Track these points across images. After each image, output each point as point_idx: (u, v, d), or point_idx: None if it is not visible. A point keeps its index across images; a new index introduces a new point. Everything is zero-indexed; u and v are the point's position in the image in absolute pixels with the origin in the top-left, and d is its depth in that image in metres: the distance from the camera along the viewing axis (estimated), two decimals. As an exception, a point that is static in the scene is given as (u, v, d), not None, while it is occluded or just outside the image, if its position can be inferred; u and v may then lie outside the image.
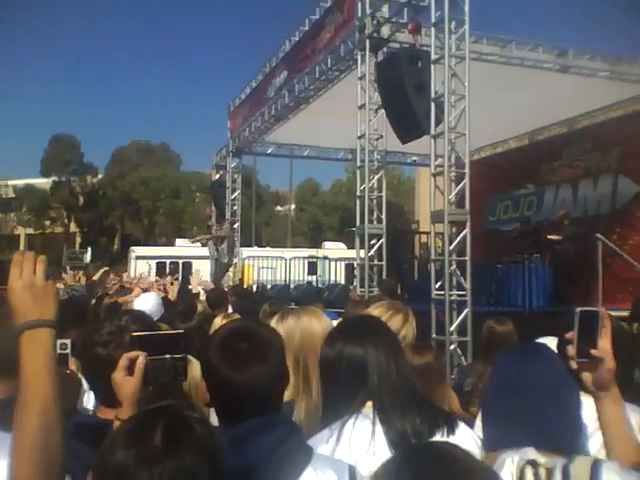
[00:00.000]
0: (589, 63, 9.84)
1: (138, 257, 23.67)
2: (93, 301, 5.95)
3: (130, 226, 49.79)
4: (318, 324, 2.26)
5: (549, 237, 10.77)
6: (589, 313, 1.55)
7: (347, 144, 13.37)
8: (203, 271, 13.82)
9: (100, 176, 49.93)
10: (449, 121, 7.27)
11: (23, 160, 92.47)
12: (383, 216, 9.15)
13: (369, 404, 1.69)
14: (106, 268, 9.69)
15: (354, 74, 9.30)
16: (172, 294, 6.42)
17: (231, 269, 15.06)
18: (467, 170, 7.37)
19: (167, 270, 19.69)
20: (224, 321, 3.06)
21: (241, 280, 15.61)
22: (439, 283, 7.24)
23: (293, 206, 48.86)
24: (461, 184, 7.40)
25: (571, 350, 1.53)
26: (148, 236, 45.33)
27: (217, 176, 16.77)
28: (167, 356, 1.58)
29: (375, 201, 9.17)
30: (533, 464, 1.30)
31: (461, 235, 7.29)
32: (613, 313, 1.84)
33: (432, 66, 7.46)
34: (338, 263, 17.83)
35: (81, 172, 48.90)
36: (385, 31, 8.58)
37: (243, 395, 1.44)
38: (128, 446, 1.04)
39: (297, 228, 47.34)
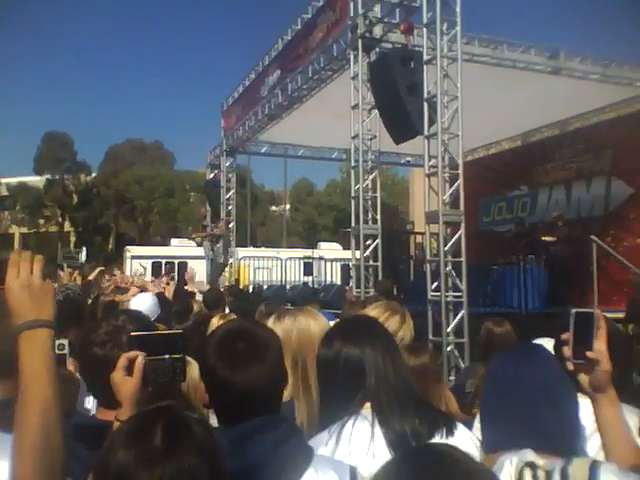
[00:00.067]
0: (580, 66, 9.92)
1: (134, 257, 23.61)
2: (89, 301, 5.93)
3: (125, 225, 49.62)
4: (315, 324, 2.26)
5: (543, 238, 10.82)
6: (584, 314, 1.56)
7: (341, 144, 13.39)
8: (199, 271, 13.82)
9: (94, 174, 49.74)
10: (442, 122, 7.29)
11: (16, 158, 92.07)
12: (378, 216, 9.16)
13: (367, 405, 1.69)
14: (101, 268, 9.65)
15: (347, 74, 9.31)
16: (168, 294, 6.41)
17: (227, 269, 15.04)
18: (461, 171, 7.40)
19: (163, 270, 19.64)
20: (221, 321, 3.06)
21: (237, 280, 15.59)
22: (435, 284, 7.25)
23: (288, 206, 48.82)
24: (455, 185, 7.42)
25: (567, 351, 1.54)
26: (143, 235, 45.20)
27: (211, 175, 16.75)
28: (166, 356, 1.58)
29: (370, 201, 9.18)
30: (532, 466, 1.30)
31: (456, 236, 7.31)
32: (608, 315, 1.85)
33: (424, 67, 7.48)
34: (334, 264, 17.84)
35: (74, 170, 48.69)
36: (377, 31, 8.60)
37: (242, 396, 1.44)
38: (128, 447, 1.04)
39: (292, 228, 47.30)
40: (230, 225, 15.53)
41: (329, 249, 24.64)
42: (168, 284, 6.98)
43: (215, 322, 3.20)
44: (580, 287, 9.91)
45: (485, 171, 14.27)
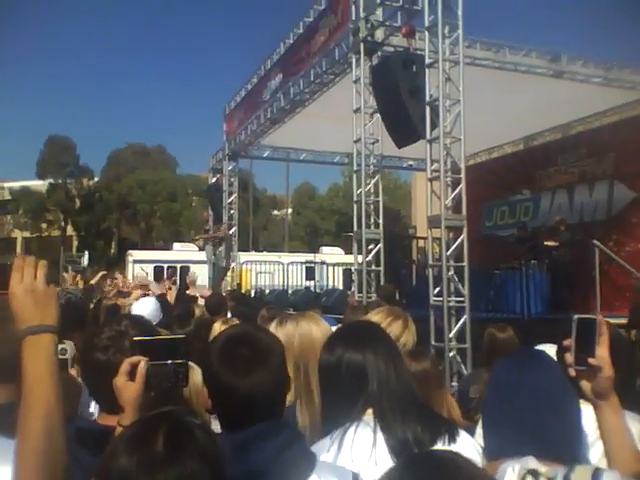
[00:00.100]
0: (582, 69, 9.93)
1: (136, 261, 23.62)
2: (91, 305, 5.94)
3: (127, 230, 49.66)
4: (317, 329, 2.26)
5: (546, 243, 10.80)
6: (587, 320, 1.55)
7: (343, 148, 13.39)
8: (201, 275, 13.81)
9: (96, 179, 49.83)
10: (444, 126, 7.30)
11: (19, 162, 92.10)
12: (380, 221, 9.16)
13: (369, 411, 1.68)
14: (104, 272, 9.66)
15: (349, 77, 9.33)
16: (170, 299, 6.41)
17: (229, 273, 15.05)
18: (463, 175, 7.40)
19: (165, 274, 19.65)
20: (223, 326, 3.06)
21: (239, 285, 15.59)
22: (437, 289, 7.24)
23: (290, 210, 48.84)
24: (457, 189, 7.42)
25: (569, 358, 1.53)
26: (145, 240, 45.24)
27: (214, 179, 16.77)
28: (168, 361, 1.58)
29: (372, 206, 9.18)
30: (534, 473, 1.30)
31: (458, 240, 7.31)
32: (611, 320, 1.85)
33: (426, 70, 7.49)
34: (336, 268, 17.84)
35: (77, 174, 48.76)
36: (379, 35, 8.62)
37: (245, 401, 1.44)
38: (130, 452, 1.04)
39: (294, 232, 47.32)
40: (232, 230, 15.54)
41: (331, 253, 24.64)
42: (170, 289, 6.98)
43: (217, 327, 3.20)
44: (582, 292, 9.90)
45: (487, 175, 14.27)
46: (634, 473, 1.38)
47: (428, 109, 7.41)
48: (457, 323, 7.09)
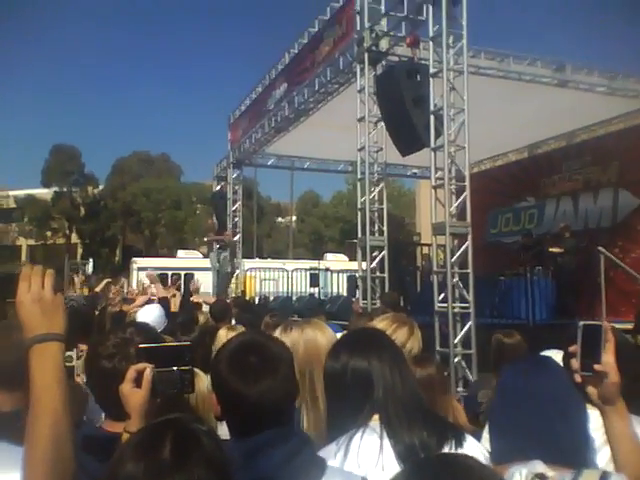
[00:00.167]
0: (587, 78, 9.93)
1: (140, 268, 23.65)
2: (96, 312, 5.95)
3: (131, 237, 49.79)
4: (322, 336, 2.26)
5: (551, 250, 10.79)
6: (592, 327, 1.55)
7: (347, 156, 13.42)
8: (205, 282, 13.81)
9: (101, 187, 50.04)
10: (448, 134, 7.32)
11: (24, 170, 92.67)
12: (384, 228, 9.17)
13: (375, 417, 1.68)
14: (108, 279, 9.69)
15: (353, 87, 9.36)
16: (175, 306, 6.42)
17: (233, 280, 15.05)
18: (467, 183, 7.40)
19: (169, 282, 19.68)
20: (229, 333, 3.06)
21: (243, 292, 15.60)
22: (442, 295, 7.24)
23: (294, 218, 48.91)
24: (462, 197, 7.42)
25: (575, 364, 1.54)
26: (150, 247, 45.33)
27: (218, 187, 16.81)
28: (174, 368, 1.59)
29: (376, 213, 9.19)
30: (541, 477, 1.30)
31: (463, 247, 7.30)
32: (616, 326, 1.85)
33: (431, 80, 7.52)
34: (340, 275, 17.81)
35: (82, 183, 48.99)
36: (384, 44, 8.64)
37: (254, 409, 1.45)
38: (137, 459, 1.04)
39: (298, 240, 47.36)
40: (236, 237, 15.57)
41: (335, 260, 24.64)
42: (174, 295, 7.00)
43: (222, 334, 3.20)
44: (588, 298, 9.88)
45: (492, 183, 14.28)
46: (641, 477, 1.38)
47: (432, 118, 7.43)
48: (462, 329, 7.08)
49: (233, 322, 5.32)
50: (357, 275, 9.70)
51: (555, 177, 13.22)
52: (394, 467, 1.55)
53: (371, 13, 8.80)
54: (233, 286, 15.05)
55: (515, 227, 14.16)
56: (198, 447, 1.07)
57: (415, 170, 15.84)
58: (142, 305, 5.64)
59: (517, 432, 1.47)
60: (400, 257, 12.15)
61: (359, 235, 9.18)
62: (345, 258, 26.04)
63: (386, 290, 8.72)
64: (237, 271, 15.32)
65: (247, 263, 18.18)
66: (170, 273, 23.05)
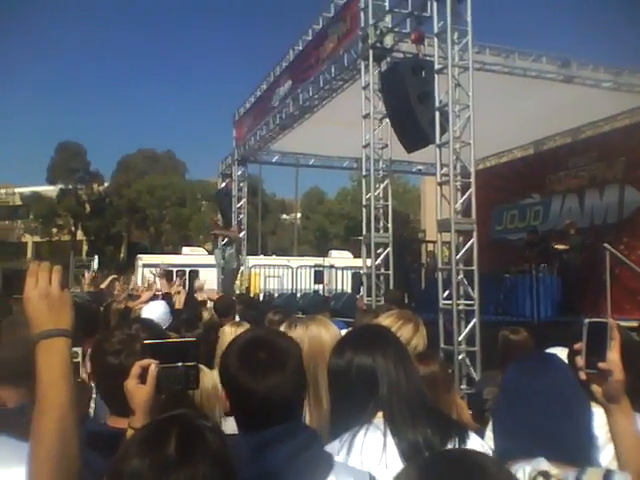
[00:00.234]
0: (592, 74, 9.89)
1: (145, 265, 23.69)
2: (101, 309, 5.96)
3: (137, 234, 49.94)
4: (327, 333, 2.26)
5: (556, 247, 10.76)
6: (598, 324, 1.55)
7: (352, 153, 13.40)
8: (210, 279, 13.82)
9: (106, 184, 50.18)
10: (454, 130, 7.30)
11: (29, 168, 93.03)
12: (389, 225, 9.16)
13: (379, 415, 1.69)
14: (114, 276, 9.70)
15: (358, 84, 9.35)
16: (179, 302, 6.43)
17: (238, 277, 15.07)
18: (473, 179, 7.39)
19: (174, 278, 19.71)
20: (234, 329, 3.07)
21: (248, 289, 15.61)
22: (446, 292, 7.23)
23: (299, 214, 48.91)
24: (467, 193, 7.41)
25: (580, 361, 1.53)
26: (154, 244, 45.42)
27: (223, 184, 16.81)
28: (179, 364, 1.59)
29: (381, 210, 9.19)
30: (545, 475, 1.30)
31: (468, 244, 7.30)
32: (621, 323, 1.84)
33: (436, 76, 7.50)
34: (345, 272, 17.81)
35: (87, 180, 49.17)
36: (388, 41, 8.62)
37: (263, 404, 1.46)
38: (142, 455, 1.05)
39: (303, 236, 47.35)
40: (241, 234, 15.58)
41: (340, 257, 24.61)
42: (179, 292, 7.00)
43: (227, 330, 3.21)
44: (593, 295, 9.84)
45: (497, 179, 14.23)
46: (645, 476, 1.37)
47: (437, 114, 7.41)
48: (466, 326, 7.07)
49: (237, 319, 5.33)
50: (362, 272, 9.70)
51: (561, 173, 13.17)
52: (397, 465, 1.55)
53: (375, 9, 8.79)
54: (238, 283, 15.07)
55: (520, 224, 14.12)
56: (203, 443, 1.08)
57: (420, 167, 15.80)
58: (147, 301, 5.65)
59: (521, 430, 1.47)
60: (405, 254, 12.14)
61: (364, 232, 9.17)
62: (350, 255, 26.02)
63: (391, 287, 8.71)
64: (242, 268, 15.33)
65: (252, 260, 18.19)
66: (175, 270, 23.08)
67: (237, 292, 13.22)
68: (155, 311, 4.53)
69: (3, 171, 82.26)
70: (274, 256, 28.67)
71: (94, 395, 2.17)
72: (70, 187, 48.31)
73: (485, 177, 12.42)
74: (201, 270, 22.43)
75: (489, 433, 1.72)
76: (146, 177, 47.56)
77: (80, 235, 49.23)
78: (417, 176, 21.78)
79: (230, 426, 1.66)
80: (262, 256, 26.57)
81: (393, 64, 8.47)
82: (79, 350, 2.12)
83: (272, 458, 1.39)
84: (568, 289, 10.08)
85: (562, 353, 1.87)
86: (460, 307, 7.11)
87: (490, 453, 1.62)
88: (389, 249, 8.98)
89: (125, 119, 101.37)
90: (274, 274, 17.99)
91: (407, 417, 1.66)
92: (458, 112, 7.41)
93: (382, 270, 8.96)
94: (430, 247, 14.40)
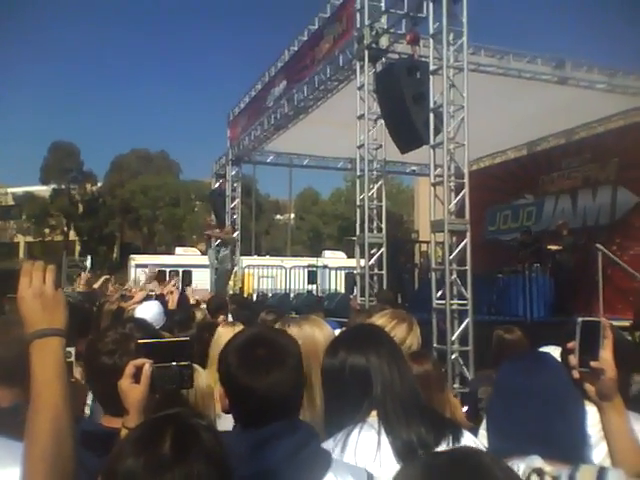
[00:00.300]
0: (587, 75, 9.92)
1: (138, 265, 23.66)
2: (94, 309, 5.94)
3: (130, 234, 49.82)
4: (320, 333, 2.26)
5: (549, 247, 10.81)
6: (591, 323, 1.56)
7: (346, 153, 13.40)
8: (203, 280, 13.80)
9: (99, 184, 50.02)
10: (448, 131, 7.32)
11: (22, 167, 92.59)
12: (383, 225, 9.17)
13: (373, 414, 1.69)
14: (107, 276, 9.67)
15: (353, 84, 9.35)
16: (172, 303, 6.42)
17: (231, 277, 15.05)
18: (466, 180, 7.41)
19: (167, 278, 19.67)
20: (227, 330, 3.07)
21: (241, 289, 15.59)
22: (440, 292, 7.25)
23: (293, 215, 48.90)
24: (461, 194, 7.43)
25: (573, 360, 1.54)
26: (147, 244, 45.33)
27: (217, 185, 16.79)
28: (173, 363, 1.59)
29: (375, 210, 9.19)
30: (539, 472, 1.30)
31: (461, 245, 7.31)
32: (614, 323, 1.86)
33: (430, 77, 7.51)
34: (338, 272, 17.84)
35: (81, 180, 49.02)
36: (384, 42, 8.63)
37: (262, 401, 1.46)
38: (137, 454, 1.05)
39: (297, 237, 47.36)
40: (235, 234, 15.56)
41: (333, 257, 24.66)
42: (172, 292, 6.99)
43: (222, 331, 3.20)
44: (585, 296, 9.89)
45: (491, 180, 14.28)
46: (638, 473, 1.38)
47: (432, 115, 7.43)
48: (460, 326, 7.09)
49: (230, 319, 5.32)
50: (355, 272, 9.71)
51: (554, 174, 13.23)
52: (391, 463, 1.55)
53: (371, 10, 8.79)
54: (231, 283, 15.05)
55: (514, 224, 14.17)
56: (198, 442, 1.08)
57: (414, 167, 15.83)
58: (140, 302, 5.63)
59: (515, 428, 1.48)
60: (398, 254, 12.15)
61: (357, 232, 9.18)
62: (343, 255, 26.07)
63: (384, 287, 8.72)
64: (235, 268, 15.31)
65: (245, 260, 18.19)
66: (168, 270, 23.05)
67: (230, 292, 13.20)
68: (149, 311, 4.52)
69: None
70: (268, 256, 28.68)
71: (90, 396, 2.16)
72: (63, 187, 48.15)
73: (479, 178, 12.46)
74: (194, 270, 22.45)
75: (482, 431, 1.72)
76: (139, 177, 47.46)
77: (73, 235, 49.07)
78: (411, 177, 21.84)
79: (225, 425, 1.66)
80: (256, 256, 26.58)
81: (388, 65, 8.47)
82: (72, 350, 2.12)
83: (271, 455, 1.39)
84: (561, 289, 10.12)
85: (555, 352, 1.88)
86: (453, 307, 7.12)
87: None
88: (383, 249, 8.98)
89: (119, 119, 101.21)
90: (268, 274, 17.99)
91: (401, 416, 1.67)
92: (452, 113, 7.43)
93: (376, 270, 8.96)
94: (423, 247, 14.43)
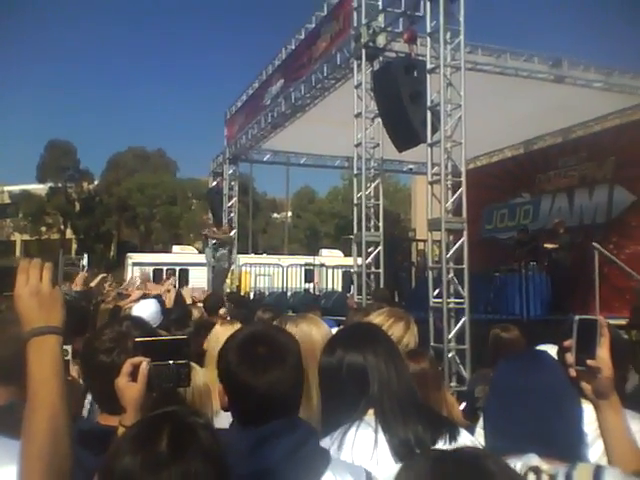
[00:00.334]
0: (583, 74, 9.95)
1: (135, 264, 23.61)
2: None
3: (126, 233, 49.72)
4: (317, 331, 2.26)
5: (545, 245, 10.82)
6: (588, 321, 1.56)
7: (344, 152, 13.41)
8: (200, 278, 13.77)
9: (96, 182, 49.91)
10: (445, 130, 7.32)
11: (19, 166, 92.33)
12: (380, 224, 9.17)
13: (370, 412, 1.69)
14: (104, 275, 9.66)
15: (350, 83, 9.35)
16: (169, 301, 6.42)
17: (228, 275, 15.05)
18: (463, 178, 7.42)
19: (164, 277, 19.66)
20: (225, 328, 3.06)
21: (238, 287, 15.59)
22: (437, 291, 7.26)
23: (290, 213, 48.89)
24: (458, 192, 7.44)
25: (569, 358, 1.55)
26: (144, 243, 45.24)
27: (214, 183, 16.77)
28: (170, 362, 1.59)
29: (372, 209, 9.20)
30: (536, 471, 1.31)
31: (458, 243, 7.32)
32: (610, 321, 1.86)
33: (428, 75, 7.52)
34: (335, 270, 17.84)
35: (77, 178, 48.90)
36: (381, 40, 8.62)
37: (262, 399, 1.46)
38: (134, 452, 1.05)
39: (294, 235, 47.37)
40: (232, 232, 15.55)
41: (331, 256, 24.65)
42: (169, 291, 6.99)
43: (219, 329, 3.20)
44: (582, 294, 9.91)
45: (488, 179, 14.30)
46: (635, 471, 1.39)
47: (429, 114, 7.43)
48: (456, 324, 7.11)
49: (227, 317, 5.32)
50: (352, 271, 9.71)
51: (551, 173, 13.25)
52: (388, 461, 1.56)
53: (368, 9, 8.79)
54: (228, 281, 15.05)
55: (510, 223, 14.19)
56: (195, 440, 1.08)
57: (411, 166, 15.84)
58: (137, 300, 5.63)
59: (512, 426, 1.48)
60: (395, 253, 12.16)
61: (355, 231, 9.18)
62: (340, 254, 26.06)
63: (381, 286, 8.73)
64: (232, 266, 15.31)
65: (242, 259, 18.17)
66: (165, 268, 23.02)
67: (227, 291, 13.20)
68: (146, 310, 4.51)
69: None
70: (265, 255, 28.65)
71: (89, 395, 2.16)
72: (60, 185, 48.03)
73: (476, 176, 12.46)
74: (191, 269, 22.40)
75: (480, 430, 1.73)
76: (136, 175, 47.36)
77: (69, 234, 48.95)
78: (408, 175, 21.86)
79: (222, 423, 1.66)
80: (253, 255, 26.54)
81: (385, 63, 8.47)
82: (69, 348, 2.11)
83: (270, 454, 1.39)
84: (557, 288, 10.14)
85: (552, 350, 1.88)
86: (450, 305, 7.14)
87: (481, 449, 1.63)
88: (380, 248, 8.99)
89: (115, 117, 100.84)
90: (265, 273, 17.99)
91: (398, 414, 1.67)
92: (450, 111, 7.43)
93: (373, 269, 8.97)
94: (420, 246, 14.46)
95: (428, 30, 7.59)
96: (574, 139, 12.95)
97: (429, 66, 7.51)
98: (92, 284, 8.90)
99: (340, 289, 16.13)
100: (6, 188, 49.98)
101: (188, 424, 1.10)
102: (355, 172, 9.34)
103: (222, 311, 5.38)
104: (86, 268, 19.68)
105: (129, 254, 26.83)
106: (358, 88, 8.95)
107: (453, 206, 7.45)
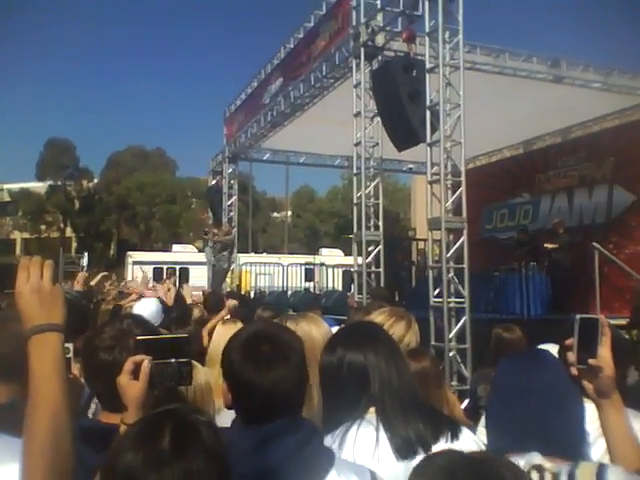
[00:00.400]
0: (582, 74, 9.96)
1: (135, 262, 23.59)
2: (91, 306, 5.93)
3: (126, 231, 49.70)
4: (317, 330, 2.27)
5: (545, 245, 10.83)
6: (589, 320, 1.57)
7: (343, 151, 13.41)
8: (200, 277, 13.77)
9: (96, 181, 49.89)
10: (444, 129, 7.32)
11: (18, 164, 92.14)
12: (380, 223, 9.18)
13: (372, 410, 1.69)
14: (104, 273, 9.65)
15: (349, 82, 9.35)
16: (169, 300, 6.40)
17: (228, 274, 15.05)
18: (463, 178, 7.42)
19: (164, 275, 19.66)
20: (226, 327, 3.07)
21: (238, 286, 15.59)
22: (437, 290, 7.27)
23: (289, 213, 48.89)
24: (457, 192, 7.44)
25: (571, 357, 1.55)
26: (144, 241, 45.24)
27: (213, 182, 16.77)
28: (172, 360, 1.59)
29: (372, 208, 9.20)
30: (539, 469, 1.31)
31: (458, 243, 7.32)
32: (610, 321, 1.86)
33: (427, 75, 7.52)
34: (335, 270, 17.84)
35: (77, 176, 48.87)
36: (380, 39, 8.62)
37: (266, 398, 1.46)
38: (136, 449, 1.05)
39: (293, 234, 47.36)
40: (233, 232, 15.56)
41: (331, 255, 24.68)
42: (169, 290, 6.97)
43: (220, 328, 3.20)
44: (582, 294, 9.92)
45: (487, 178, 14.30)
46: (637, 470, 1.39)
47: (428, 113, 7.43)
48: (457, 324, 7.11)
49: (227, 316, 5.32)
50: (352, 270, 9.71)
51: (550, 173, 13.26)
52: (390, 459, 1.56)
53: (367, 8, 8.79)
54: (228, 280, 15.04)
55: (510, 223, 14.20)
56: (197, 438, 1.08)
57: (411, 165, 15.85)
58: (138, 299, 5.62)
59: (514, 425, 1.48)
60: (395, 252, 12.16)
61: (354, 230, 9.18)
62: (340, 253, 26.08)
63: (381, 285, 8.73)
64: (232, 266, 15.31)
65: (242, 258, 18.17)
66: (165, 267, 23.03)
67: (226, 290, 13.19)
68: (147, 308, 4.50)
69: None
70: (265, 254, 28.67)
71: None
72: (59, 183, 48.00)
73: (475, 176, 12.47)
74: (191, 268, 22.41)
75: (481, 429, 1.73)
76: (136, 174, 47.34)
77: (69, 232, 48.91)
78: (407, 175, 21.84)
79: (223, 421, 1.65)
80: (253, 254, 26.56)
81: (384, 63, 8.47)
82: (70, 346, 2.11)
83: (273, 453, 1.39)
84: (557, 287, 10.15)
85: (553, 349, 1.89)
86: (451, 305, 7.14)
87: (482, 448, 1.63)
88: (380, 247, 8.99)
89: (115, 116, 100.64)
90: (265, 272, 17.98)
91: (399, 412, 1.67)
92: (449, 111, 7.43)
93: (373, 268, 8.97)
94: (421, 245, 14.47)
95: (427, 29, 7.59)
96: (573, 139, 12.96)
97: (428, 65, 7.51)
98: (92, 283, 8.90)
99: (340, 288, 16.13)
100: (6, 186, 49.91)
101: (190, 422, 1.10)
102: (355, 171, 9.34)
103: (230, 302, 5.40)
104: (86, 268, 19.66)
105: (129, 253, 26.83)
106: (357, 87, 8.95)
107: (453, 206, 7.45)
